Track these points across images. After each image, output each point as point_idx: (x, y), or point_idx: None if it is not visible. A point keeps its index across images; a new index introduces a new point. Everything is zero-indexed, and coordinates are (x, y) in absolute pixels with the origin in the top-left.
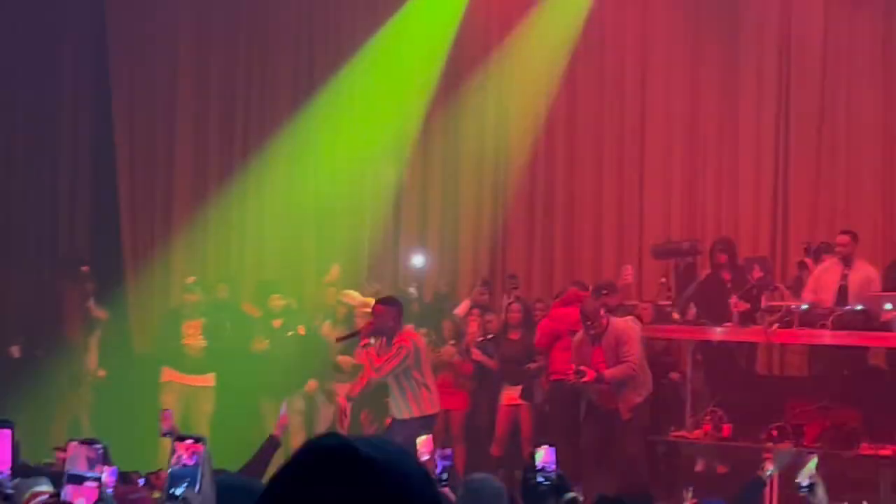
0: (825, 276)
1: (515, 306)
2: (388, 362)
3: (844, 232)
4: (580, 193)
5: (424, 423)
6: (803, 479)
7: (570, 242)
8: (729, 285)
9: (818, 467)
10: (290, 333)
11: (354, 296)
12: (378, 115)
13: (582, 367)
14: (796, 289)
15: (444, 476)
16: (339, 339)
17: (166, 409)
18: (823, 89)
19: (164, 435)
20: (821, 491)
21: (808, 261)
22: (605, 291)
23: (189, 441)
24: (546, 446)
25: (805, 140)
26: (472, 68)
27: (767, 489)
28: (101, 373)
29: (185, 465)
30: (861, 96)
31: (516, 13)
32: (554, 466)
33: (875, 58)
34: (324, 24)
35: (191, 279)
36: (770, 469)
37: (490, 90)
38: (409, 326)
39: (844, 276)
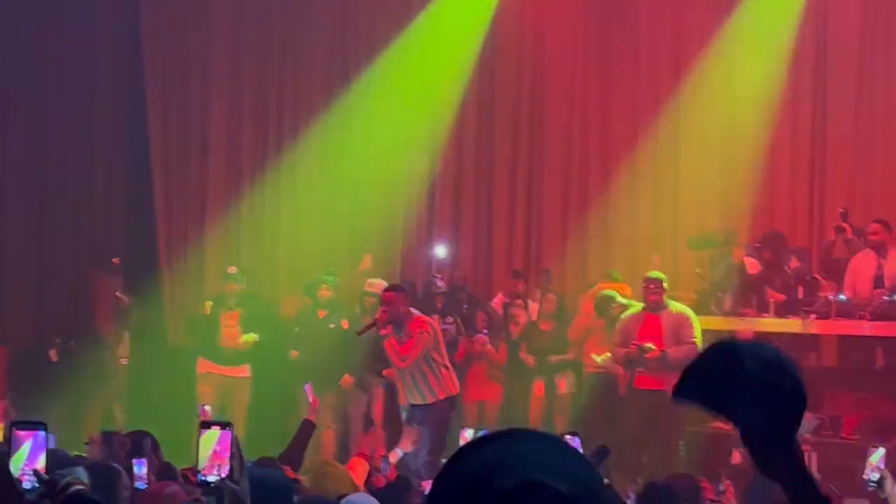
0: (861, 267)
1: (550, 296)
2: (413, 349)
3: (877, 221)
4: (615, 185)
5: (452, 404)
6: (869, 473)
7: (605, 235)
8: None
9: (883, 460)
10: (331, 326)
11: (381, 283)
12: (412, 106)
13: (645, 344)
14: (829, 252)
15: None
16: (359, 333)
17: (204, 405)
18: (861, 75)
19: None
20: (889, 484)
21: (845, 225)
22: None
23: (216, 427)
24: (569, 436)
25: (842, 128)
26: (506, 60)
27: None
28: (124, 360)
29: (214, 452)
30: None
31: (552, 6)
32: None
33: None
34: (358, 16)
35: (232, 269)
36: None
37: (524, 81)
38: (414, 311)
39: (880, 266)
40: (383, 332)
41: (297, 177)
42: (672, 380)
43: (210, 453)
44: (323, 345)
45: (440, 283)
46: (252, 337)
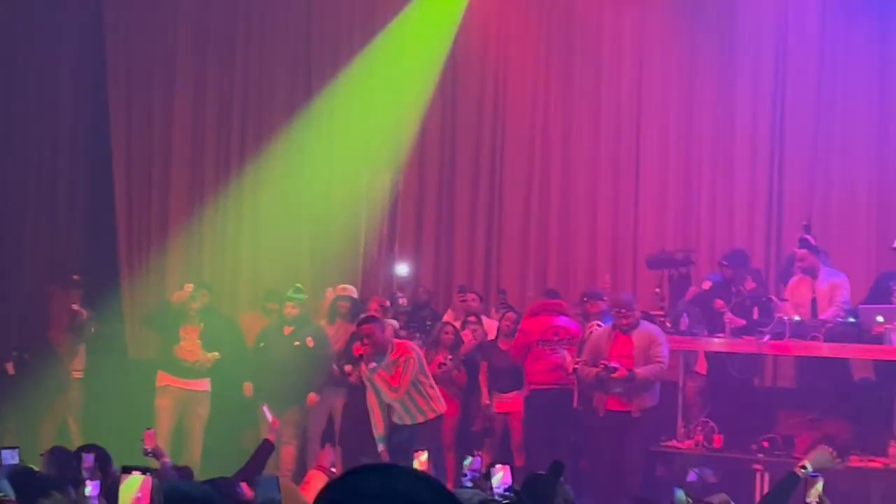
0: (797, 292)
1: (510, 315)
2: (403, 378)
3: (802, 246)
4: (575, 203)
5: (440, 423)
6: (812, 499)
7: (565, 253)
8: (734, 299)
9: (824, 488)
10: (296, 343)
11: (352, 289)
12: (374, 121)
13: (613, 364)
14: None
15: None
16: (348, 373)
17: (149, 429)
18: (819, 102)
19: (147, 454)
20: None
21: (808, 237)
22: (585, 299)
23: (136, 472)
24: (501, 465)
25: (799, 153)
26: (469, 76)
27: None
28: (78, 374)
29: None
30: (856, 110)
31: (515, 20)
32: (510, 485)
33: (871, 70)
34: (321, 31)
35: (188, 286)
36: (807, 465)
37: (486, 98)
38: (394, 339)
39: (814, 289)
40: (370, 364)
41: (260, 191)
42: (640, 401)
43: (131, 500)
44: (287, 362)
45: (402, 301)
46: (214, 355)
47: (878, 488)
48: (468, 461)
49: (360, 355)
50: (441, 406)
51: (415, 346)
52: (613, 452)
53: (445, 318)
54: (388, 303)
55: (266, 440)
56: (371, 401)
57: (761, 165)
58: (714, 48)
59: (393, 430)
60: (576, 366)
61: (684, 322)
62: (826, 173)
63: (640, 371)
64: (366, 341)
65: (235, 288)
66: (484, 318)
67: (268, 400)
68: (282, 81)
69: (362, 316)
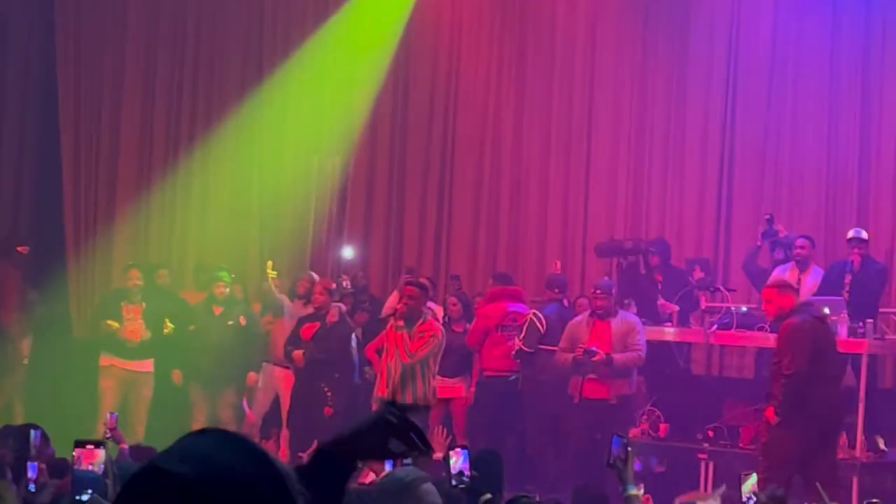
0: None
1: (452, 299)
2: (421, 349)
3: (804, 236)
4: (525, 190)
5: (428, 413)
6: (746, 499)
7: (515, 239)
8: (660, 287)
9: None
10: (230, 323)
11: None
12: (325, 106)
13: (593, 347)
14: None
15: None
16: (294, 355)
17: (112, 413)
18: (770, 90)
19: (106, 438)
20: None
21: (778, 227)
22: (554, 288)
23: (90, 446)
24: (459, 450)
25: (750, 144)
26: (422, 60)
27: None
28: (25, 356)
29: (89, 471)
30: (806, 98)
31: (468, 6)
32: (468, 469)
33: (822, 64)
34: (273, 13)
35: (133, 270)
36: None
37: (438, 83)
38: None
39: (800, 281)
40: (398, 323)
41: (208, 172)
42: (616, 387)
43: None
44: (221, 342)
45: (346, 284)
46: (171, 326)
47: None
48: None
49: (397, 311)
50: (434, 399)
51: (442, 331)
52: (589, 439)
53: (389, 301)
54: (333, 285)
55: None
56: (381, 365)
57: (712, 155)
58: (667, 37)
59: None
60: (517, 348)
61: (632, 310)
62: (776, 164)
63: (618, 357)
64: (405, 300)
65: (182, 268)
66: (432, 304)
67: (204, 383)
68: (233, 62)
69: (410, 278)
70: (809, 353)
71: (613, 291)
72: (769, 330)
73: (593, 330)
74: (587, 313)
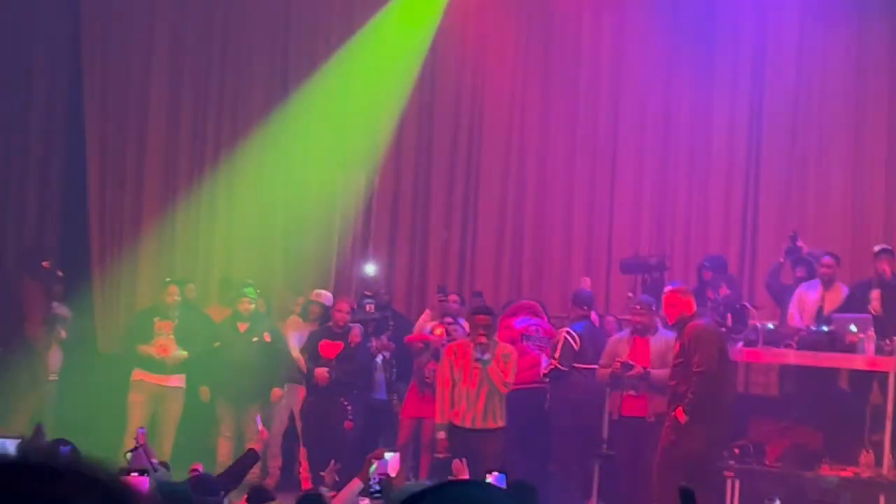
0: (807, 296)
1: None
2: (512, 374)
3: (829, 254)
4: (550, 206)
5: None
6: (373, 482)
7: (539, 255)
8: (710, 303)
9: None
10: (255, 339)
11: (327, 294)
12: (351, 121)
13: (629, 361)
14: (775, 276)
15: (377, 488)
16: (317, 373)
17: (141, 428)
18: (796, 111)
19: (134, 451)
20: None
21: (801, 244)
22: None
23: (135, 474)
24: (390, 454)
25: (775, 161)
26: (448, 76)
27: None
28: (54, 372)
29: None
30: (832, 118)
31: (493, 22)
32: (383, 474)
33: (847, 79)
34: (299, 29)
35: (172, 286)
36: None
37: (464, 100)
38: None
39: (823, 298)
40: (485, 356)
41: (234, 189)
42: (654, 405)
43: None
44: (246, 359)
45: (369, 308)
46: (183, 353)
47: (847, 497)
48: (374, 467)
49: (478, 343)
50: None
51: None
52: (631, 457)
53: (422, 318)
54: (356, 305)
55: (251, 449)
56: (443, 385)
57: (737, 172)
58: (692, 53)
59: (457, 432)
60: (553, 367)
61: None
62: (802, 182)
63: (655, 372)
64: (481, 332)
65: (207, 285)
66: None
67: (229, 398)
68: (259, 78)
69: (479, 306)
70: (717, 353)
71: (654, 308)
72: (796, 347)
73: (633, 348)
74: (629, 330)
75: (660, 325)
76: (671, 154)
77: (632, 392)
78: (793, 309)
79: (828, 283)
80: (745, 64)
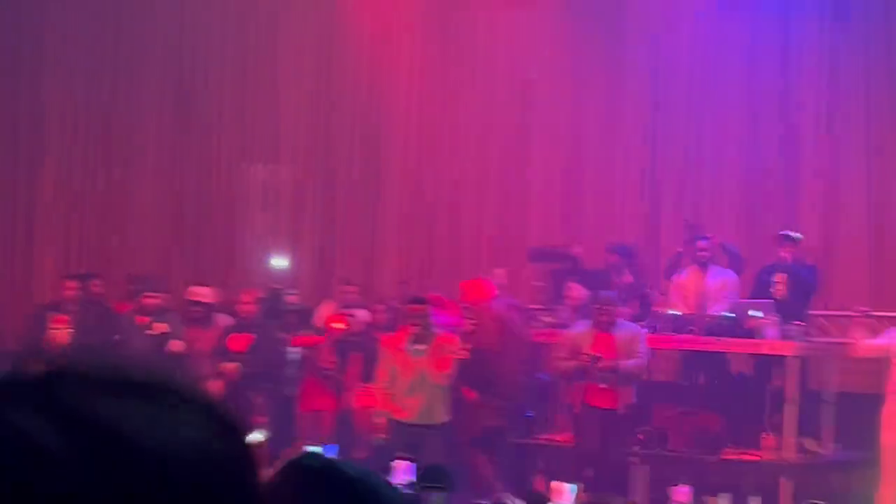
0: (687, 283)
1: (380, 307)
2: (452, 367)
3: (702, 237)
4: (461, 196)
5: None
6: None
7: (451, 245)
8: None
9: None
10: (150, 332)
11: (204, 292)
12: (253, 113)
13: (597, 354)
14: (675, 265)
15: None
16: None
17: None
18: (690, 105)
19: None
20: None
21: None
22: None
23: None
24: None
25: (672, 152)
26: (347, 66)
27: None
28: None
29: None
30: (726, 109)
31: (392, 11)
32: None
33: (741, 69)
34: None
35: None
36: None
37: (368, 88)
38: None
39: (703, 282)
40: (416, 347)
41: (137, 182)
42: (624, 396)
43: None
44: (143, 351)
45: (290, 292)
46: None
47: (750, 481)
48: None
49: (412, 334)
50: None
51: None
52: (599, 447)
53: (322, 309)
54: (260, 295)
55: None
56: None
57: (642, 163)
58: (601, 47)
59: (400, 428)
60: None
61: (563, 315)
62: (698, 173)
63: (624, 364)
64: (412, 321)
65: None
66: (359, 312)
67: None
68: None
69: (412, 296)
70: (498, 333)
71: (617, 304)
72: (699, 333)
73: (596, 341)
74: (587, 323)
75: (621, 318)
76: (579, 145)
77: (603, 384)
78: (675, 297)
79: (704, 266)
80: (645, 55)
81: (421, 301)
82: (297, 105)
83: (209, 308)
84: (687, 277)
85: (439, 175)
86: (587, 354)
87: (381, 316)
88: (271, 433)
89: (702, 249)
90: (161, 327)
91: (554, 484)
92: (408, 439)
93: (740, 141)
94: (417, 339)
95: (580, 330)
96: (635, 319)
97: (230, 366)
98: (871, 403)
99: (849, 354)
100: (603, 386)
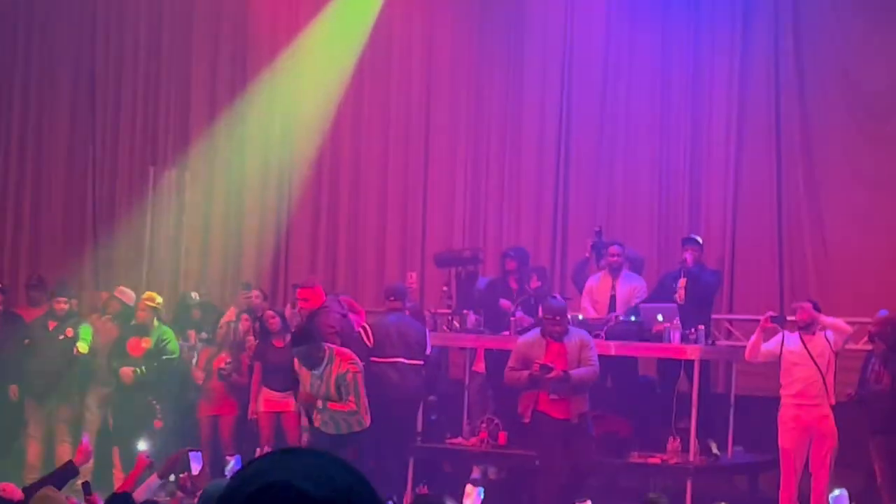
0: (597, 287)
1: (270, 313)
2: (360, 397)
3: (614, 243)
4: (364, 200)
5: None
6: None
7: (354, 249)
8: (515, 293)
9: None
10: (61, 337)
11: (129, 293)
12: (162, 118)
13: (548, 363)
14: (582, 270)
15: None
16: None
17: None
18: (603, 106)
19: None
20: None
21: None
22: (392, 297)
23: None
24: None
25: (585, 153)
26: (258, 71)
27: None
28: None
29: None
30: (639, 114)
31: (303, 16)
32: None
33: (654, 75)
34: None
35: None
36: None
37: (276, 94)
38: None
39: (613, 286)
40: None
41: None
42: (577, 405)
43: None
44: (55, 358)
45: (194, 296)
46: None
47: (657, 484)
48: (230, 465)
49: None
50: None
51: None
52: (549, 458)
53: (227, 315)
54: (157, 299)
55: (71, 462)
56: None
57: (548, 167)
58: (502, 49)
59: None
60: None
61: (471, 320)
62: (610, 177)
63: (575, 373)
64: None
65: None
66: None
67: (38, 398)
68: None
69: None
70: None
71: (567, 313)
72: (604, 337)
73: (548, 350)
74: (538, 332)
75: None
76: (482, 149)
77: (553, 395)
78: (585, 302)
79: (616, 272)
80: (554, 56)
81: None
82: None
83: (128, 308)
84: (598, 283)
85: (341, 179)
86: (538, 364)
87: (273, 322)
88: (171, 438)
89: (613, 255)
90: (69, 332)
91: (467, 488)
92: (327, 447)
93: (651, 148)
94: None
95: (530, 339)
96: (539, 324)
97: (126, 370)
98: (772, 406)
99: (745, 358)
100: (553, 397)
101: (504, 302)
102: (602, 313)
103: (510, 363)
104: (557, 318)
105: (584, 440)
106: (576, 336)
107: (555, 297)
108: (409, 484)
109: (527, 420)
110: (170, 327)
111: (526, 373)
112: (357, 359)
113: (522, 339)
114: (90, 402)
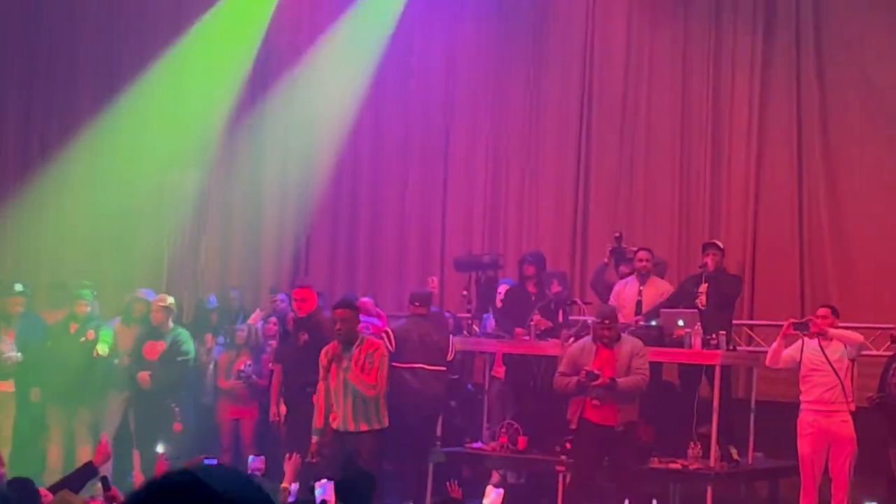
0: (624, 292)
1: (274, 319)
2: (380, 375)
3: (643, 249)
4: (384, 204)
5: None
6: None
7: (374, 253)
8: (533, 298)
9: None
10: (82, 340)
11: (149, 293)
12: (182, 117)
13: (595, 370)
14: (601, 275)
15: None
16: (140, 377)
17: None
18: (624, 110)
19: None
20: None
21: (625, 245)
22: (416, 303)
23: None
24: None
25: (605, 158)
26: (279, 73)
27: None
28: None
29: None
30: (660, 120)
31: (326, 18)
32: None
33: (675, 80)
34: (127, 26)
35: (18, 286)
36: None
37: (297, 97)
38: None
39: (640, 292)
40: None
41: (62, 188)
42: (624, 414)
43: None
44: (76, 360)
45: (212, 300)
46: (17, 355)
47: (677, 489)
48: (251, 460)
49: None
50: (386, 419)
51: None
52: (599, 466)
53: (252, 318)
54: (170, 301)
55: (90, 463)
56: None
57: (568, 172)
58: (523, 54)
59: (333, 434)
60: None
61: (490, 325)
62: (630, 182)
63: (622, 380)
64: (339, 326)
65: (36, 287)
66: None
67: (59, 401)
68: (87, 76)
69: (339, 300)
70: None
71: (618, 319)
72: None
73: (597, 356)
74: (588, 338)
75: (623, 332)
76: (503, 153)
77: (596, 402)
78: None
79: (643, 278)
80: (576, 62)
81: (346, 305)
82: (230, 110)
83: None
84: (625, 287)
85: (360, 184)
86: (585, 370)
87: (272, 328)
88: (191, 441)
89: (642, 260)
90: (90, 335)
91: (487, 488)
92: (342, 446)
93: (672, 153)
94: (344, 345)
95: (581, 344)
96: (557, 329)
97: (143, 374)
98: (793, 412)
99: (765, 364)
100: (596, 403)
101: (519, 330)
102: (628, 318)
103: (560, 368)
104: (607, 321)
105: (627, 449)
106: (628, 343)
107: (606, 305)
108: (429, 489)
109: (573, 426)
110: (187, 329)
111: (574, 379)
112: (384, 347)
113: (573, 345)
114: (111, 405)
